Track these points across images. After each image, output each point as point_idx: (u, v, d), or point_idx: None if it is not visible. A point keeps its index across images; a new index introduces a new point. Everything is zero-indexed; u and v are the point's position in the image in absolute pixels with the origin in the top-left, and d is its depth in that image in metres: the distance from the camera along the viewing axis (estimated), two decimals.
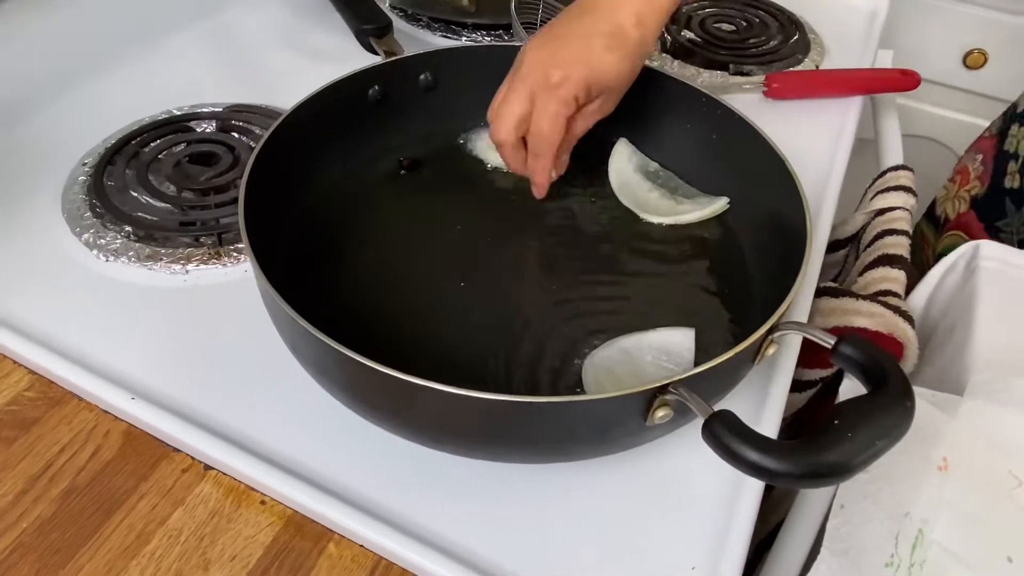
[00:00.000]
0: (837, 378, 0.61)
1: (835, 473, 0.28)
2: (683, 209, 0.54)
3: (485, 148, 0.58)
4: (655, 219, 0.53)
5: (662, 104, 0.55)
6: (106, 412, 0.43)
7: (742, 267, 0.49)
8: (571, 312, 0.46)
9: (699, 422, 0.31)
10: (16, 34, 0.58)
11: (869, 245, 0.68)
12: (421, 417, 0.35)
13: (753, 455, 0.28)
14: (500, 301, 0.47)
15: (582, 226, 0.53)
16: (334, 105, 0.51)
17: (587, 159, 0.58)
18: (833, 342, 0.34)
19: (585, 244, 0.51)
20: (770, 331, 0.36)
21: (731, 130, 0.52)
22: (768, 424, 0.42)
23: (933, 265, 0.77)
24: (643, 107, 0.56)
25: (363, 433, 0.39)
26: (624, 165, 0.57)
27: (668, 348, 0.42)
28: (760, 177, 0.50)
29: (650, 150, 0.57)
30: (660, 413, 0.33)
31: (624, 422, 0.34)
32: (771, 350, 0.37)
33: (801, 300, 0.51)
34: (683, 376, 0.33)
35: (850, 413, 0.29)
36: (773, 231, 0.48)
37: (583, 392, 0.41)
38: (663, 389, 0.33)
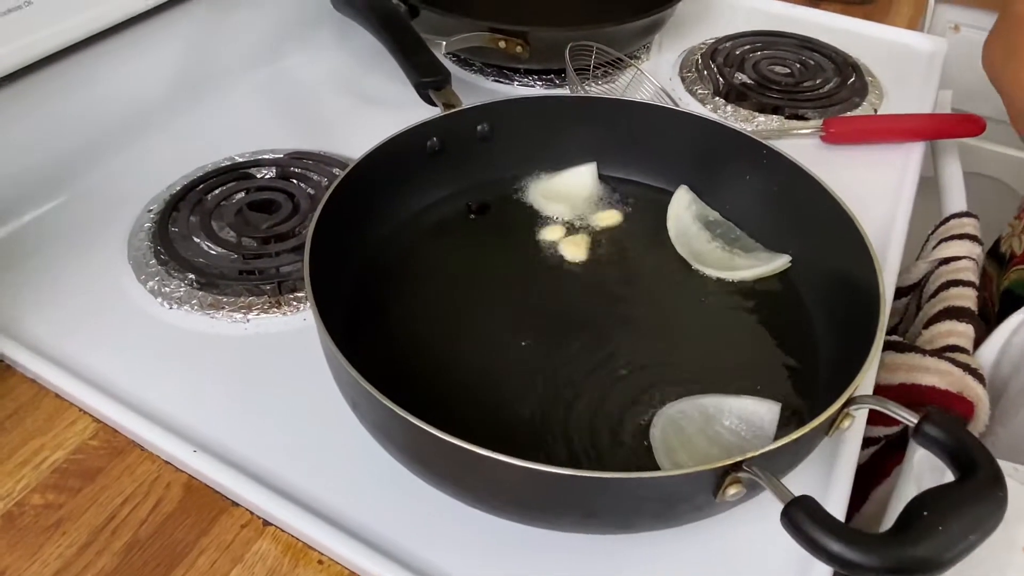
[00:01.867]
0: (902, 435, 0.59)
1: (924, 570, 0.27)
2: (741, 264, 0.53)
3: (539, 197, 0.58)
4: (710, 272, 0.52)
5: (721, 154, 0.55)
6: (168, 463, 0.44)
7: (806, 327, 0.48)
8: (628, 368, 0.45)
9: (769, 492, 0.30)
10: (86, 83, 0.61)
11: (933, 296, 0.66)
12: (481, 484, 0.35)
13: (836, 547, 0.27)
14: (557, 355, 0.46)
15: (638, 279, 0.52)
16: (394, 156, 0.52)
17: (646, 207, 0.57)
18: (916, 421, 0.32)
19: (642, 298, 0.50)
20: (846, 404, 0.35)
21: (793, 182, 0.51)
22: (836, 499, 0.40)
23: (996, 302, 0.74)
24: (703, 156, 0.56)
25: (424, 495, 0.39)
26: (683, 213, 0.56)
27: (749, 418, 0.41)
28: (824, 231, 0.49)
29: (710, 200, 0.56)
30: (732, 491, 0.32)
31: (693, 498, 0.33)
32: (846, 423, 0.35)
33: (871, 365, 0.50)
34: (758, 453, 0.31)
35: (939, 504, 0.28)
36: (839, 290, 0.47)
37: (648, 443, 0.40)
38: (736, 467, 0.32)
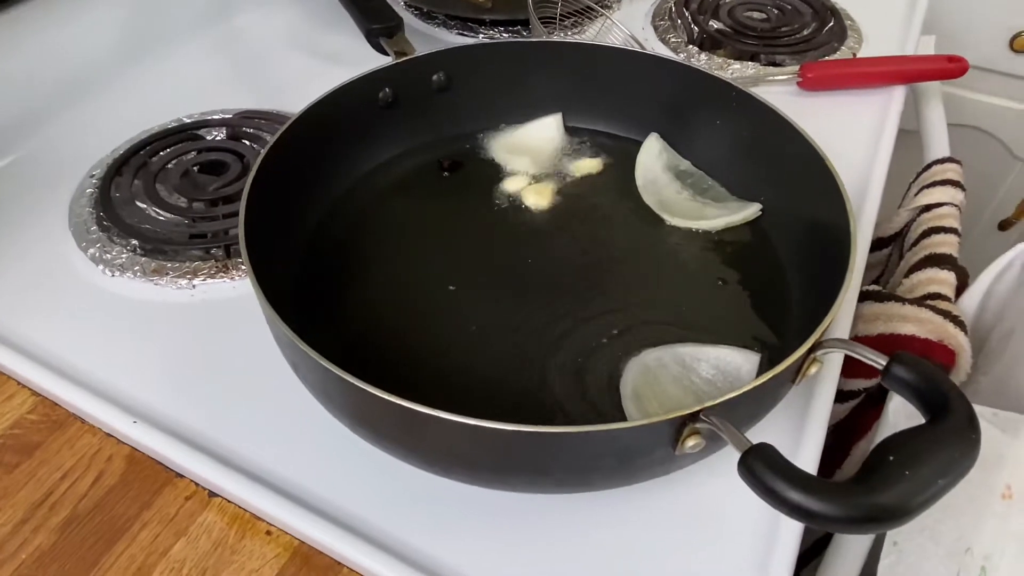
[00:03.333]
0: (881, 387, 0.57)
1: (891, 518, 0.25)
2: (710, 213, 0.50)
3: (502, 152, 0.55)
4: (678, 222, 0.50)
5: (691, 99, 0.52)
6: (110, 435, 0.42)
7: (779, 277, 0.46)
8: (596, 319, 0.43)
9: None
10: (21, 45, 0.57)
11: (915, 244, 0.64)
12: (430, 446, 0.33)
13: (796, 496, 0.25)
14: (512, 308, 0.44)
15: (604, 230, 0.50)
16: (342, 109, 0.49)
17: (612, 153, 0.55)
18: (884, 363, 0.30)
19: (607, 250, 0.48)
20: (812, 349, 0.33)
21: (764, 126, 0.48)
22: (807, 452, 0.39)
23: None
24: (672, 103, 0.53)
25: (373, 461, 0.37)
26: (652, 162, 0.53)
27: (726, 368, 0.39)
28: (797, 177, 0.46)
29: (682, 149, 0.54)
30: (690, 443, 0.30)
31: (651, 452, 0.31)
32: (813, 369, 0.33)
33: (844, 310, 0.48)
34: (715, 403, 0.29)
35: (906, 447, 0.26)
36: (811, 235, 0.45)
37: (618, 392, 0.39)
38: (693, 416, 0.30)
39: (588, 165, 0.54)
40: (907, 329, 0.53)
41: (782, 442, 0.39)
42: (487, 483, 0.34)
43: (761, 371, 0.40)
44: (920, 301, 0.55)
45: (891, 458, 0.26)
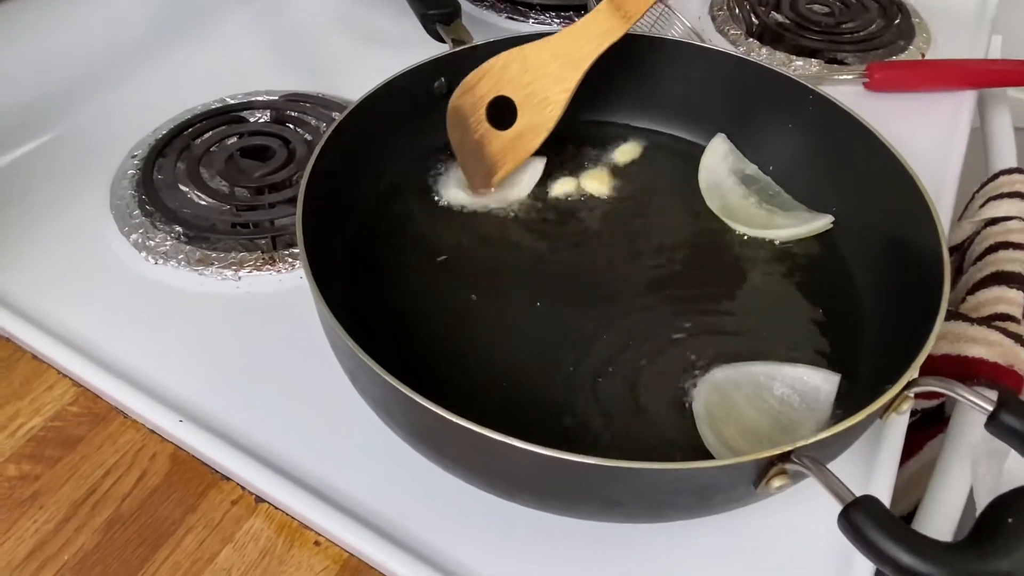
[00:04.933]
0: (939, 408, 0.55)
1: None
2: (779, 222, 0.48)
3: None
4: (742, 229, 0.48)
5: (760, 100, 0.49)
6: (153, 432, 0.40)
7: (849, 295, 0.44)
8: (659, 332, 0.41)
9: None
10: (59, 20, 0.55)
11: (979, 259, 0.61)
12: (494, 470, 0.31)
13: (906, 558, 0.23)
14: (578, 318, 0.42)
15: (662, 236, 0.47)
16: (397, 99, 0.47)
17: (679, 154, 0.52)
18: (991, 409, 0.28)
19: (666, 256, 0.46)
20: (907, 386, 0.31)
21: (841, 132, 0.46)
22: (879, 488, 0.37)
23: None
24: (739, 103, 0.51)
25: (431, 474, 0.35)
26: (717, 164, 0.51)
27: (803, 389, 0.37)
28: (875, 189, 0.44)
29: (747, 152, 0.51)
30: (776, 483, 0.28)
31: (731, 489, 0.29)
32: (904, 406, 0.31)
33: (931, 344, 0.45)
34: (808, 442, 0.28)
35: None
36: (889, 252, 0.43)
37: (689, 412, 0.37)
38: (784, 457, 0.28)
39: (629, 151, 0.52)
40: (975, 351, 0.50)
41: (853, 474, 0.38)
42: (554, 510, 0.33)
43: (840, 391, 0.38)
44: (988, 321, 0.53)
45: (1009, 520, 0.24)
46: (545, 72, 0.46)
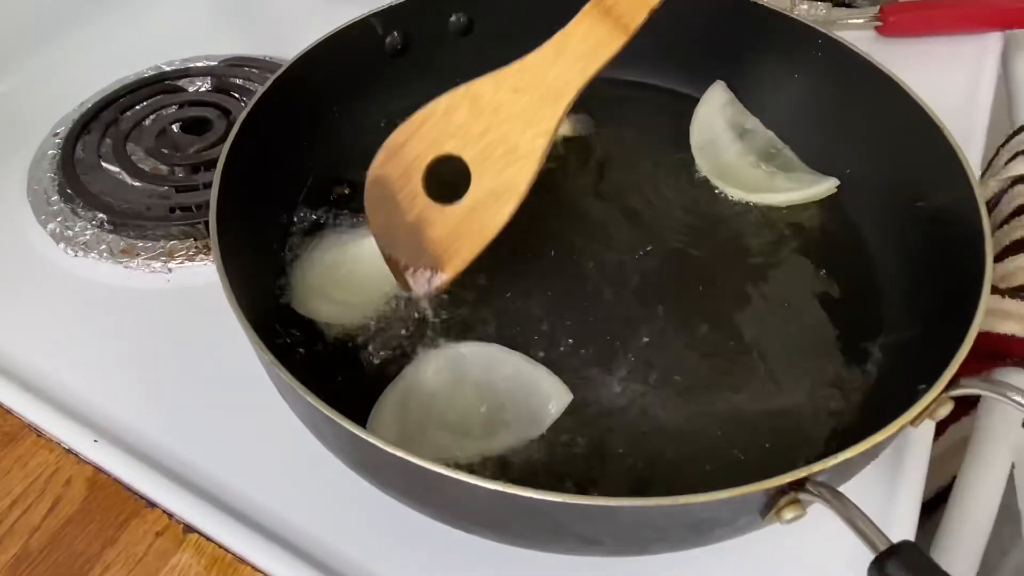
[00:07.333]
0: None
1: None
2: (776, 186, 0.42)
3: None
4: (735, 193, 0.42)
5: (764, 46, 0.43)
6: (69, 452, 0.35)
7: (864, 271, 0.38)
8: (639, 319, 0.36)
9: None
10: None
11: (1006, 221, 0.55)
12: (446, 505, 0.26)
13: None
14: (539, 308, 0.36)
15: (643, 203, 0.41)
16: (343, 56, 0.41)
17: (665, 106, 0.46)
18: None
19: (647, 230, 0.40)
20: (946, 388, 0.25)
21: (855, 81, 0.40)
22: (904, 509, 0.31)
23: None
24: (737, 49, 0.44)
25: (379, 502, 0.30)
26: (714, 117, 0.45)
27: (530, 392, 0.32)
28: (895, 148, 0.38)
29: (749, 103, 0.45)
30: (788, 515, 0.23)
31: (731, 523, 0.24)
32: (943, 411, 0.26)
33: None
34: (828, 466, 0.22)
35: None
36: (913, 219, 0.37)
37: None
38: (798, 485, 0.22)
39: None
40: (1007, 328, 0.45)
41: (873, 487, 0.32)
42: (522, 546, 0.28)
43: (826, 393, 0.32)
44: (1019, 292, 0.47)
45: None
46: (507, 114, 0.33)
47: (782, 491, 0.23)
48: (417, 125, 0.34)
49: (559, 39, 0.34)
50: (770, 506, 0.23)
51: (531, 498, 0.22)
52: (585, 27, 0.33)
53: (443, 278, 0.34)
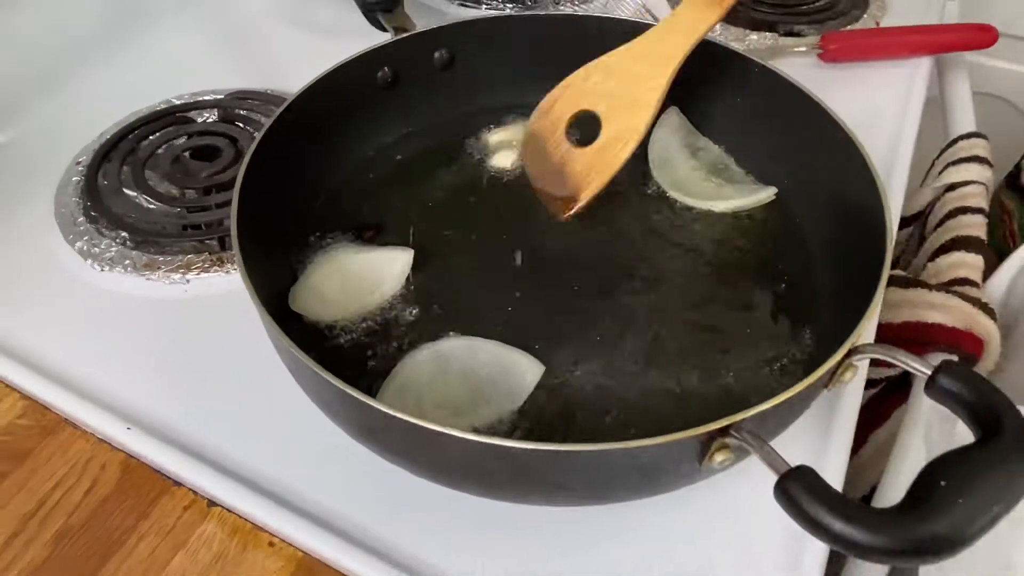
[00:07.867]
0: (905, 375, 0.55)
1: (944, 549, 0.23)
2: (723, 195, 0.47)
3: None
4: (689, 202, 0.47)
5: (711, 74, 0.49)
6: (103, 441, 0.40)
7: (800, 265, 0.43)
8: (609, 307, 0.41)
9: None
10: (1, 29, 0.54)
11: (939, 225, 0.61)
12: (436, 460, 0.31)
13: (841, 526, 0.23)
14: (529, 298, 0.42)
15: (605, 210, 0.47)
16: (340, 91, 0.46)
17: None
18: (929, 372, 0.28)
19: (610, 232, 0.45)
20: (848, 354, 0.30)
21: (787, 103, 0.46)
22: (833, 463, 0.36)
23: (1017, 242, 0.69)
24: (688, 78, 0.50)
25: (379, 470, 0.35)
26: (669, 138, 0.50)
27: (509, 371, 0.37)
28: (822, 156, 0.44)
29: (700, 125, 0.51)
30: (719, 458, 0.28)
31: (676, 468, 0.29)
32: (848, 375, 0.31)
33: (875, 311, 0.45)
34: (746, 416, 0.27)
35: (957, 471, 0.24)
36: (839, 220, 0.42)
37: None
38: (723, 431, 0.27)
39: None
40: (934, 317, 0.51)
41: (806, 448, 0.37)
42: (502, 498, 0.33)
43: (777, 368, 0.38)
44: (947, 287, 0.53)
45: (942, 483, 0.24)
46: (631, 76, 0.43)
47: (711, 436, 0.28)
48: (562, 90, 0.45)
49: (670, 19, 0.44)
50: (703, 452, 0.28)
51: (507, 447, 0.27)
52: (686, 8, 0.43)
53: (580, 203, 0.44)
